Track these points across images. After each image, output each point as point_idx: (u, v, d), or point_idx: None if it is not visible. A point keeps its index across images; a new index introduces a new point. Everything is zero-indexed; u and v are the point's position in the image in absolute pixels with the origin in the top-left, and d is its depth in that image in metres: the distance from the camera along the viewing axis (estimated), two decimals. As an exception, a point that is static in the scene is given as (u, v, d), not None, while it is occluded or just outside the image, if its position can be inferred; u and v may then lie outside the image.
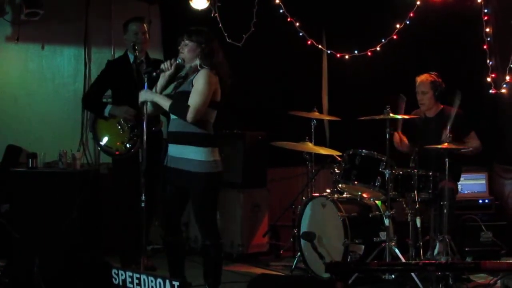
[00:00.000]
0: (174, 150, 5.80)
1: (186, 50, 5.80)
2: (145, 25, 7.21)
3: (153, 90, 5.88)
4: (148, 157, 6.72)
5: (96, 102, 7.22)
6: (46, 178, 7.76)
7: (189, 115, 5.65)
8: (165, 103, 5.73)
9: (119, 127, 7.10)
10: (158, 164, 6.66)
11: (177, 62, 5.82)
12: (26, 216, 7.47)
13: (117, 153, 7.15)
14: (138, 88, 6.89)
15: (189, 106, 5.65)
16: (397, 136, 7.27)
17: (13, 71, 8.49)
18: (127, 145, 7.05)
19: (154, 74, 5.83)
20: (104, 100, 7.26)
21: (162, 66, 5.82)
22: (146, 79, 5.89)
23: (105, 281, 5.38)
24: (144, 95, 5.81)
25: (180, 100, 5.71)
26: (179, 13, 8.71)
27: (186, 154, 5.74)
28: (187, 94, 5.72)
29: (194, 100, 5.67)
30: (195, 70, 5.82)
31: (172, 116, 5.82)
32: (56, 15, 8.38)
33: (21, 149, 8.15)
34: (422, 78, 7.26)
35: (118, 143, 7.12)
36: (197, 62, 5.81)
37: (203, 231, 5.86)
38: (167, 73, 5.86)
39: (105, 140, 7.21)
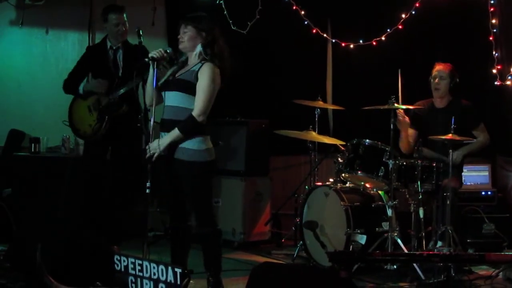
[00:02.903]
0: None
1: (187, 38, 5.74)
2: (124, 15, 7.21)
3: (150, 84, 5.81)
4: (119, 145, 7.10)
5: (74, 85, 7.29)
6: (48, 163, 7.77)
7: (199, 118, 5.62)
8: (176, 135, 5.64)
9: (88, 110, 7.19)
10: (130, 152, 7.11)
11: (168, 52, 5.77)
12: (28, 200, 7.47)
13: (84, 135, 7.32)
14: (113, 74, 7.09)
15: (192, 116, 5.61)
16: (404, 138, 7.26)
17: (17, 56, 8.48)
18: (94, 128, 7.14)
19: (146, 60, 5.78)
20: None
21: (154, 55, 5.74)
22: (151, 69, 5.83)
23: (107, 267, 5.36)
24: (156, 146, 5.69)
25: (180, 89, 5.68)
26: (184, 0, 8.67)
27: (179, 143, 5.71)
28: (188, 84, 5.68)
29: (200, 101, 5.63)
30: (197, 59, 5.77)
31: (166, 103, 5.78)
32: (60, -1, 8.38)
33: (24, 133, 8.14)
34: (443, 64, 7.26)
35: (86, 126, 7.22)
36: (198, 50, 5.76)
37: (200, 220, 5.83)
38: (165, 63, 5.83)
39: (75, 122, 7.32)
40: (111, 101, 7.04)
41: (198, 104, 5.64)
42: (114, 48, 7.21)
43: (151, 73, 5.78)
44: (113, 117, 7.08)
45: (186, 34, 5.75)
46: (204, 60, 5.73)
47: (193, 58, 5.81)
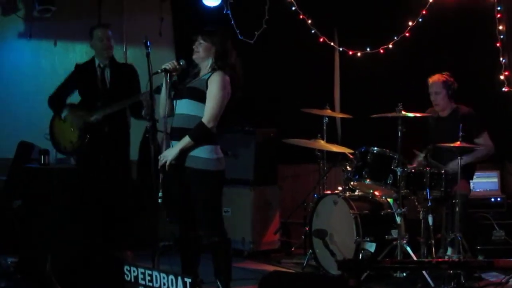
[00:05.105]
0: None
1: (201, 49, 5.84)
2: (109, 31, 7.34)
3: (164, 92, 5.86)
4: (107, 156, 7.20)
5: (58, 102, 7.41)
6: (58, 174, 7.79)
7: (209, 124, 5.69)
8: (186, 142, 5.70)
9: (71, 126, 7.29)
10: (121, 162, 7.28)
11: (181, 64, 5.84)
12: (38, 211, 7.49)
13: (64, 150, 7.48)
14: (101, 93, 7.21)
15: (202, 122, 5.67)
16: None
17: (26, 68, 8.52)
18: (74, 144, 7.29)
19: (159, 71, 5.84)
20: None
21: (167, 66, 5.80)
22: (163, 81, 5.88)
23: (117, 277, 5.38)
24: (168, 154, 5.75)
25: (191, 97, 5.74)
26: (191, 9, 8.71)
27: (190, 151, 5.74)
28: (198, 91, 5.75)
29: (210, 107, 5.70)
30: (208, 69, 5.83)
31: (177, 111, 5.82)
32: (68, 11, 8.40)
33: (33, 145, 8.16)
34: (434, 78, 7.22)
35: (66, 141, 7.36)
36: (211, 61, 5.82)
37: (209, 229, 5.85)
38: (175, 74, 5.89)
39: (56, 135, 7.44)
40: (94, 120, 7.12)
41: (207, 110, 5.70)
42: (102, 66, 7.30)
43: (164, 85, 5.84)
44: (95, 136, 7.17)
45: (201, 46, 5.85)
46: (214, 70, 5.79)
47: (204, 68, 5.89)
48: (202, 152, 5.73)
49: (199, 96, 5.75)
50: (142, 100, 6.87)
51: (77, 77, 7.41)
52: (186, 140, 5.70)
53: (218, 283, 5.84)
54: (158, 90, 6.09)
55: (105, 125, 7.17)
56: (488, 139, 7.15)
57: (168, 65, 5.82)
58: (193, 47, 5.88)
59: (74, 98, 7.46)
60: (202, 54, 5.85)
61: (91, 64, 7.36)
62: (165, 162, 5.73)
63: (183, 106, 5.81)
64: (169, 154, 5.74)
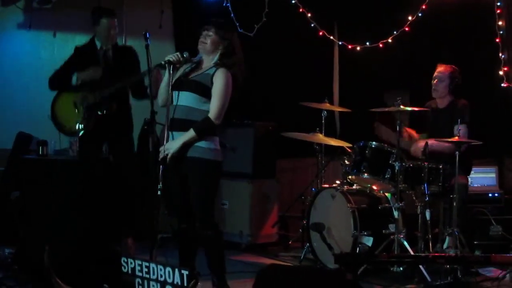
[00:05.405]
0: (177, 137, 5.79)
1: (209, 41, 5.82)
2: (115, 19, 7.26)
3: (165, 79, 5.87)
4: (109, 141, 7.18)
5: (61, 82, 7.29)
6: (56, 165, 7.78)
7: (216, 121, 5.71)
8: (191, 135, 5.70)
9: (74, 106, 7.18)
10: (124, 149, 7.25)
11: (185, 56, 5.84)
12: (36, 203, 7.50)
13: (70, 131, 7.27)
14: (104, 72, 7.08)
15: (209, 118, 5.68)
16: (405, 133, 7.23)
17: (25, 59, 8.50)
18: (80, 126, 7.07)
19: (163, 62, 5.83)
20: None
21: (170, 58, 5.80)
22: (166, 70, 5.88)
23: (114, 269, 5.39)
24: (171, 147, 5.73)
25: (194, 90, 5.73)
26: (191, 2, 8.70)
27: (192, 143, 5.74)
28: (202, 86, 5.74)
29: (217, 105, 5.71)
30: (212, 64, 5.82)
31: (180, 103, 5.82)
32: (68, 2, 8.38)
33: (32, 136, 8.16)
34: (443, 66, 7.22)
35: (72, 122, 7.17)
36: (216, 56, 5.83)
37: (202, 220, 5.84)
38: (181, 67, 5.89)
39: (59, 117, 7.32)
40: (100, 99, 7.07)
41: (214, 108, 5.71)
42: (104, 48, 7.24)
43: (167, 76, 5.84)
44: (101, 115, 7.10)
45: (209, 38, 5.83)
46: (218, 65, 5.79)
47: (207, 61, 5.88)
48: (201, 142, 5.73)
49: (203, 90, 5.74)
50: (145, 78, 6.83)
51: (77, 59, 7.31)
52: (190, 134, 5.69)
53: (212, 275, 5.85)
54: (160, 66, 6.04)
55: (113, 104, 7.10)
56: (463, 132, 6.90)
57: (172, 57, 5.81)
58: (201, 36, 5.85)
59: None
60: (209, 47, 5.83)
61: (92, 47, 7.28)
62: (167, 154, 5.73)
63: (185, 98, 5.80)
64: (171, 147, 5.72)
